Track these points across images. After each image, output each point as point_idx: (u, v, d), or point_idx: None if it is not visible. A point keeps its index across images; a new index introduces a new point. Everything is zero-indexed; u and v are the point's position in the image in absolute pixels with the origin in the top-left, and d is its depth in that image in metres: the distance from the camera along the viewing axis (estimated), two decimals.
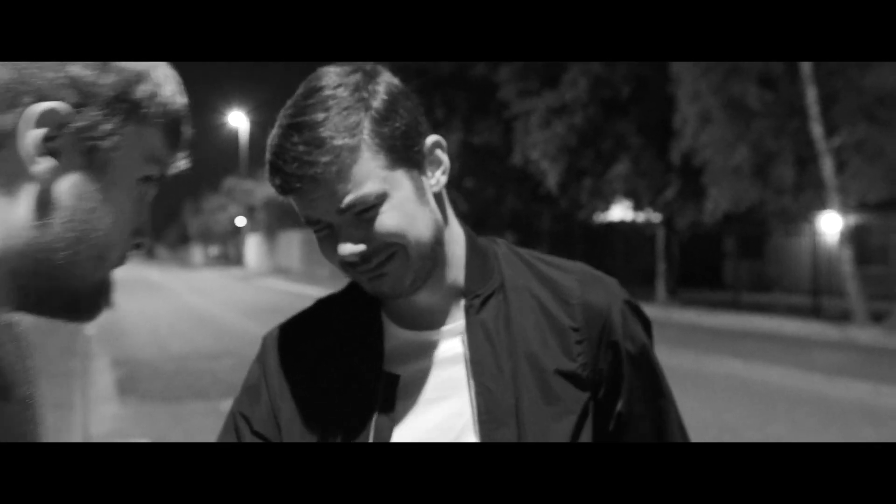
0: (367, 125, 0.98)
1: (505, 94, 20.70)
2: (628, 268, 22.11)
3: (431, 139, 1.07)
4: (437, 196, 1.09)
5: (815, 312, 16.39)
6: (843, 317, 15.06)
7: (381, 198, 0.99)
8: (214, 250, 70.16)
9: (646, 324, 1.16)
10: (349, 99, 0.99)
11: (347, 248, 1.00)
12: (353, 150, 0.97)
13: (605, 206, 22.10)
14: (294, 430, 1.10)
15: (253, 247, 53.00)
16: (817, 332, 14.16)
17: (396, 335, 1.12)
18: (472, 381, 1.06)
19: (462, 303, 1.11)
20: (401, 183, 1.01)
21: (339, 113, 0.97)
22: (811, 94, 14.18)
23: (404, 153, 1.02)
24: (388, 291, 1.04)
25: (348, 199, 0.97)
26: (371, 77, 1.02)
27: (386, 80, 1.04)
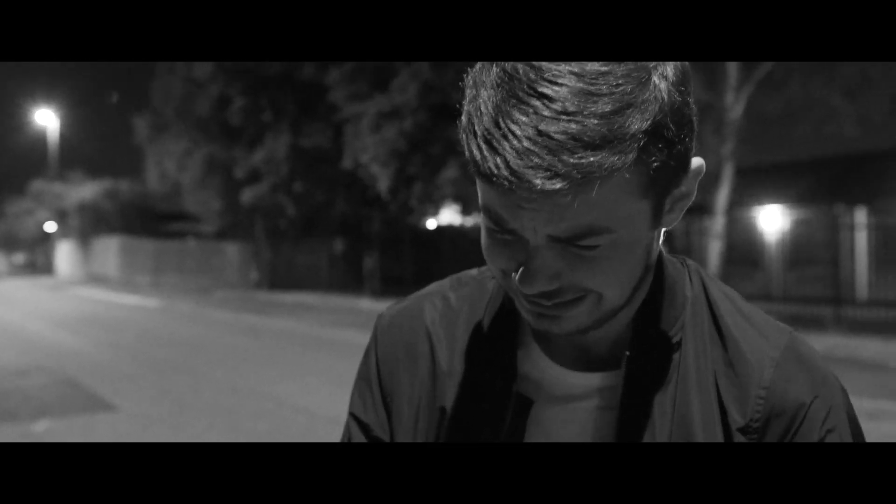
0: (647, 143, 0.66)
1: (335, 98, 20.55)
2: (457, 271, 22.48)
3: (696, 164, 0.76)
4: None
5: None
6: None
7: (613, 238, 0.70)
8: (20, 258, 65.17)
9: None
10: (638, 89, 0.66)
11: (533, 284, 0.72)
12: (616, 175, 0.65)
13: (435, 211, 22.42)
14: (406, 437, 0.92)
15: (65, 254, 49.69)
16: None
17: (535, 359, 0.87)
18: None
19: (626, 354, 0.82)
20: (639, 218, 0.71)
21: (623, 112, 0.65)
22: None
23: (664, 184, 0.71)
24: (556, 331, 0.78)
25: (571, 230, 0.69)
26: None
27: (676, 63, 0.71)
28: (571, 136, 0.63)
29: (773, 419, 0.79)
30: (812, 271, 15.53)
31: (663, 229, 0.80)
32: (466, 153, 0.70)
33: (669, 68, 0.69)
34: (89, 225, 43.56)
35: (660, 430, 0.80)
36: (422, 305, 0.98)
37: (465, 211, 21.94)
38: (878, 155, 21.24)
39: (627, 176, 0.66)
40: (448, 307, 0.96)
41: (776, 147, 31.54)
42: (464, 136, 0.70)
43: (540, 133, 0.64)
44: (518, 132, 0.65)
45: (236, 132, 24.87)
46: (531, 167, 0.64)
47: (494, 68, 0.69)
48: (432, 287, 1.01)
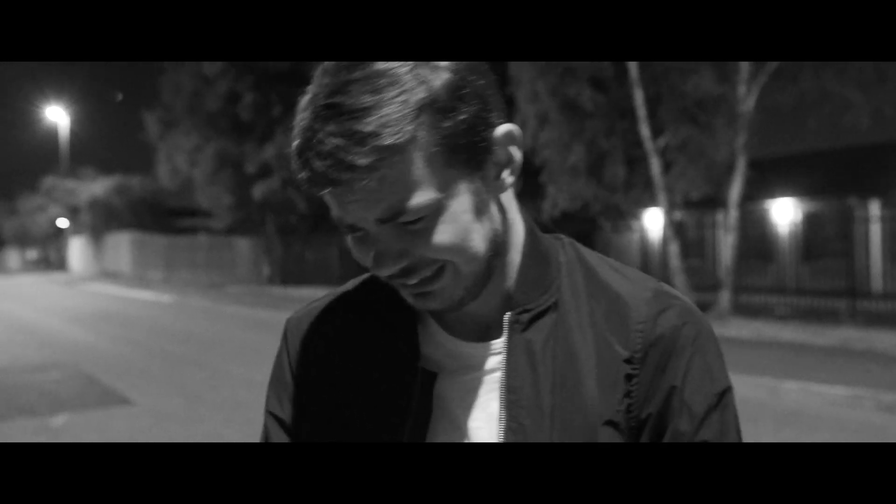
0: (425, 118, 0.76)
1: None
2: None
3: (502, 131, 0.84)
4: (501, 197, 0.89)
5: None
6: None
7: (432, 209, 0.79)
8: (33, 254, 65.51)
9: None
10: (407, 78, 0.76)
11: (384, 266, 0.82)
12: (404, 152, 0.75)
13: None
14: (317, 425, 0.98)
15: (77, 250, 49.95)
16: None
17: (434, 337, 0.95)
18: (503, 412, 0.88)
19: (505, 317, 0.90)
20: (457, 189, 0.80)
21: (392, 100, 0.75)
22: (639, 97, 14.96)
23: (466, 152, 0.80)
24: (436, 308, 0.87)
25: (390, 210, 0.78)
26: None
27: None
28: (351, 132, 0.74)
29: (652, 347, 0.87)
30: (825, 264, 15.45)
31: (501, 195, 0.88)
32: (294, 169, 0.79)
33: (422, 66, 0.78)
34: (101, 221, 43.72)
35: (543, 380, 0.88)
36: (327, 304, 1.05)
37: None
38: (891, 146, 21.12)
39: (420, 155, 0.76)
40: (350, 302, 1.03)
41: (789, 139, 31.33)
42: (291, 150, 0.80)
43: (330, 134, 0.74)
44: (314, 140, 0.75)
45: (247, 127, 24.91)
46: (328, 167, 0.75)
47: (308, 95, 0.80)
48: (337, 289, 1.08)
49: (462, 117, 0.78)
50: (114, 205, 43.71)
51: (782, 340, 11.80)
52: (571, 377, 0.88)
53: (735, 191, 14.72)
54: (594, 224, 21.16)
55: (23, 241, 62.48)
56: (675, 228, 15.75)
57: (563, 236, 1.00)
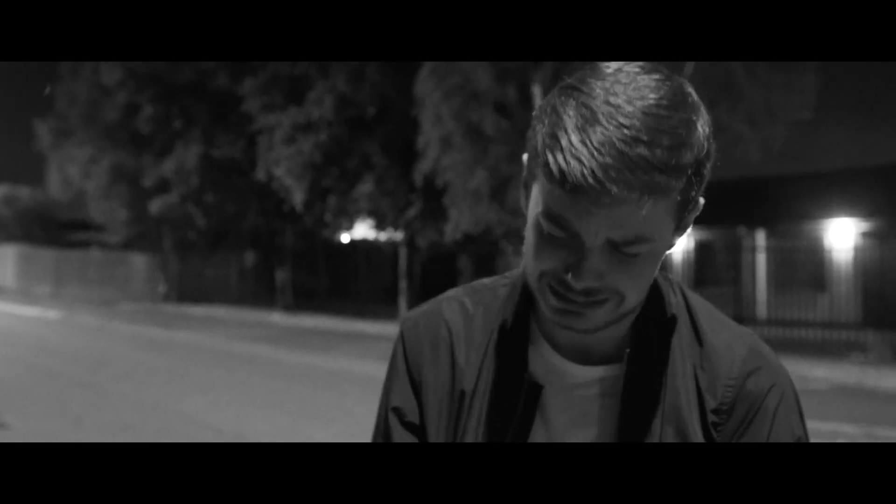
0: (692, 170, 0.84)
1: (248, 107, 20.22)
2: (371, 286, 22.45)
3: (701, 203, 0.93)
4: None
5: None
6: None
7: (650, 250, 0.87)
8: None
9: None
10: (688, 133, 0.83)
11: (584, 280, 0.86)
12: (670, 192, 0.83)
13: (349, 225, 22.26)
14: (433, 420, 1.06)
15: None
16: None
17: (545, 354, 1.03)
18: (619, 435, 0.98)
19: (626, 351, 0.99)
20: (669, 234, 0.89)
21: (677, 147, 0.81)
22: None
23: (685, 213, 0.89)
24: (575, 328, 0.92)
25: (626, 238, 0.84)
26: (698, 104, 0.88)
27: (706, 118, 0.89)
28: (644, 159, 0.79)
29: (738, 402, 0.98)
30: (715, 291, 16.04)
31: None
32: (552, 165, 0.83)
33: (704, 122, 0.86)
34: None
35: (653, 410, 0.98)
36: (440, 307, 1.12)
37: (380, 225, 21.82)
38: (778, 179, 22.17)
39: (672, 200, 0.84)
40: (464, 310, 1.11)
41: None
42: (546, 152, 0.84)
43: (621, 153, 0.79)
44: (603, 150, 0.79)
45: (145, 140, 24.17)
46: (612, 179, 0.79)
47: (572, 101, 0.84)
48: (448, 293, 1.15)
49: (700, 185, 0.87)
50: None
51: None
52: (674, 413, 0.98)
53: None
54: (496, 247, 21.41)
55: None
56: None
57: (670, 276, 1.07)
